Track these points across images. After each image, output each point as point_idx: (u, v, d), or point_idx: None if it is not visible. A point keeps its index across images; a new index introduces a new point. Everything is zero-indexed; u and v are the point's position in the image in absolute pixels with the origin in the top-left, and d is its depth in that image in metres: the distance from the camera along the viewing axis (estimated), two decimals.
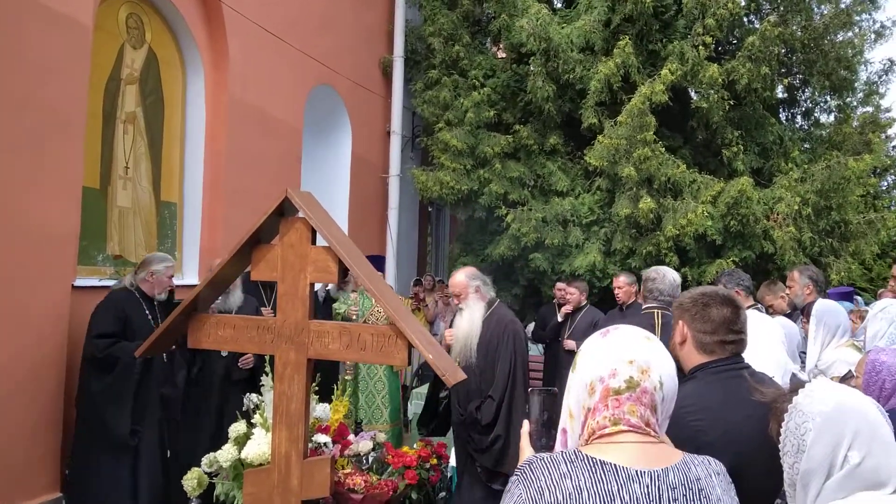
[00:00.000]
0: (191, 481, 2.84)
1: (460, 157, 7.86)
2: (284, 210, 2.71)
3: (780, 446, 1.36)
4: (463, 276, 3.99)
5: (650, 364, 1.27)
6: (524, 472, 1.23)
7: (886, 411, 2.05)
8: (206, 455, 2.92)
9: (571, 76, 7.70)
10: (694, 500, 1.20)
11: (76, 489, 3.87)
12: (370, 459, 3.04)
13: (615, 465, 1.20)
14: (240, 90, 5.92)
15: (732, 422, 1.69)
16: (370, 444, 3.07)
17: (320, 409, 3.13)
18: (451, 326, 7.41)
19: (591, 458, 1.21)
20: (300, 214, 2.69)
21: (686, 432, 1.46)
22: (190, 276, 5.56)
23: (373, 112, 8.47)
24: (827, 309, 3.27)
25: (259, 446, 2.79)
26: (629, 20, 7.70)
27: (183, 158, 5.74)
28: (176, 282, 4.16)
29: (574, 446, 1.30)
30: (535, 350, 7.95)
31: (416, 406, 5.26)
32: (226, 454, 2.84)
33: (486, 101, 8.05)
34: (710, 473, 1.26)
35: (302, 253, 2.64)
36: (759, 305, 4.53)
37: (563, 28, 7.87)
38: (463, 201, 8.15)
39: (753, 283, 4.68)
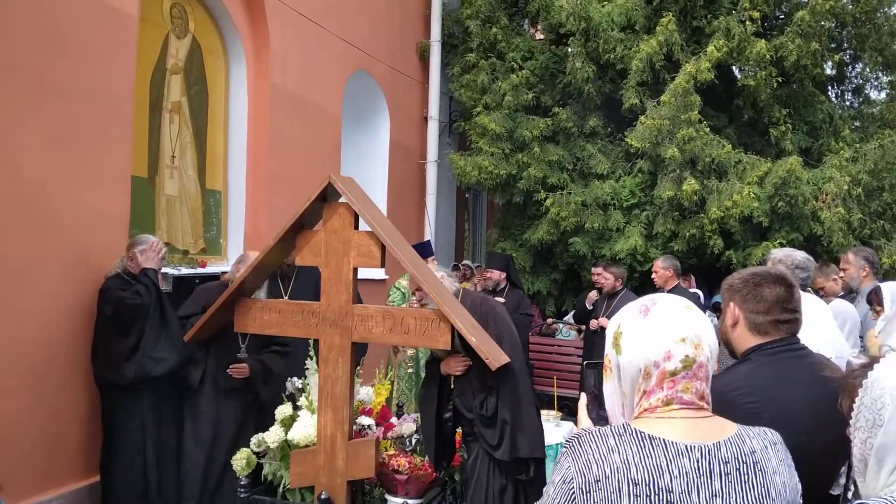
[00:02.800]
0: (240, 461, 2.92)
1: (498, 142, 7.81)
2: (327, 195, 2.74)
3: (851, 421, 1.33)
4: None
5: (700, 337, 1.25)
6: (573, 445, 1.23)
7: None
8: (255, 436, 3.00)
9: (612, 56, 7.56)
10: (748, 474, 1.19)
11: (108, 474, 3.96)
12: (413, 441, 3.07)
13: (664, 439, 1.19)
14: (280, 77, 5.98)
15: (787, 403, 1.65)
16: (413, 427, 3.11)
17: (363, 392, 3.17)
18: None
19: (640, 433, 1.21)
20: (342, 200, 2.71)
21: (740, 414, 1.43)
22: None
23: (410, 97, 8.47)
24: None
25: (305, 428, 2.85)
26: None
27: (227, 147, 5.84)
28: (222, 269, 4.24)
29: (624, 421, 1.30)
30: (573, 335, 7.92)
31: None
32: (273, 435, 2.91)
33: (524, 83, 7.96)
34: (767, 445, 1.25)
35: (345, 238, 2.67)
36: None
37: (603, 6, 7.72)
38: (501, 186, 8.10)
39: None
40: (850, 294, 4.44)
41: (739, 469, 1.19)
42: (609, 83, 7.93)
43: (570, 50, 7.93)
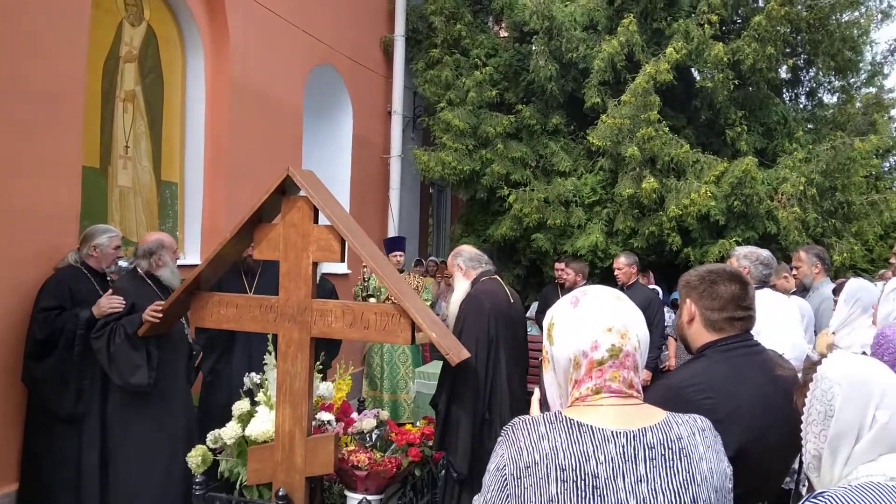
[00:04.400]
0: (195, 458, 2.86)
1: (462, 138, 7.81)
2: (286, 189, 2.70)
3: (804, 416, 1.36)
4: (451, 255, 3.94)
5: (627, 326, 1.28)
6: (507, 433, 1.26)
7: None
8: (211, 432, 2.94)
9: (574, 55, 7.63)
10: (673, 459, 1.21)
11: (27, 477, 3.65)
12: (374, 437, 3.05)
13: (591, 426, 1.22)
14: (240, 69, 5.87)
15: (742, 399, 1.68)
16: (373, 422, 3.09)
17: (323, 388, 3.13)
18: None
19: (570, 420, 1.23)
20: (302, 193, 2.67)
21: (695, 410, 1.46)
22: (192, 256, 5.55)
23: (374, 92, 8.41)
24: (864, 286, 3.26)
25: (263, 424, 2.81)
26: None
27: (183, 138, 5.70)
28: (178, 262, 4.12)
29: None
30: (535, 330, 7.98)
31: (418, 385, 5.30)
32: (230, 431, 2.86)
33: (488, 80, 7.98)
34: (695, 431, 1.27)
35: (304, 232, 2.64)
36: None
37: (566, 6, 7.79)
38: (465, 182, 8.11)
39: None
40: (803, 291, 4.57)
41: (665, 454, 1.21)
42: (572, 82, 8.01)
43: (533, 48, 7.98)
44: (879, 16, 8.79)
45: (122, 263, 3.98)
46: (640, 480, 1.18)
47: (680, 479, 1.20)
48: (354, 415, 3.31)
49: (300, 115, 6.90)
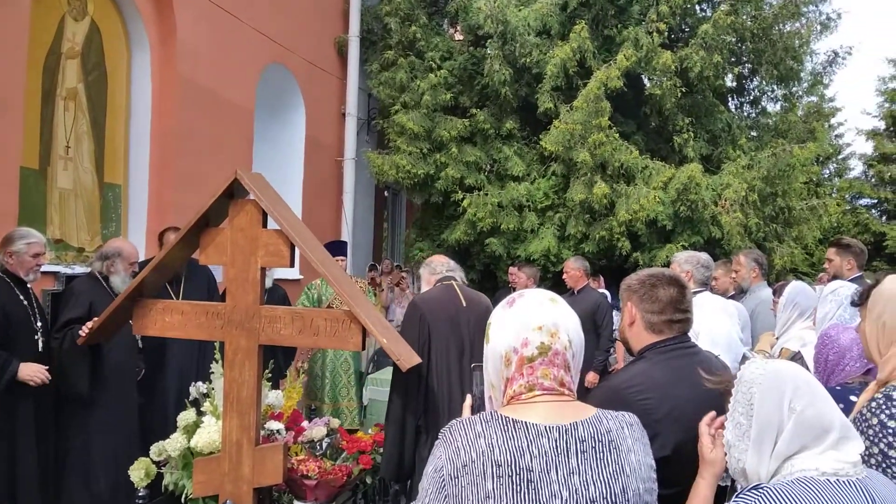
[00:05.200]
0: (137, 472, 2.76)
1: (416, 141, 7.80)
2: (234, 192, 2.64)
3: (728, 420, 1.42)
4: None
5: (557, 325, 1.32)
6: (444, 435, 1.29)
7: (832, 386, 2.14)
8: (155, 444, 2.84)
9: (528, 60, 7.71)
10: (603, 451, 1.26)
11: None
12: (324, 445, 3.00)
13: (526, 422, 1.26)
14: (189, 67, 5.72)
15: (679, 400, 1.73)
16: (324, 430, 3.04)
17: (273, 396, 3.07)
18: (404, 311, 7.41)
19: (505, 418, 1.27)
20: (251, 197, 2.61)
21: (634, 410, 1.50)
22: None
23: (327, 93, 8.32)
24: (801, 290, 3.37)
25: (209, 434, 2.73)
26: (585, 4, 7.75)
27: (128, 138, 5.52)
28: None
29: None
30: None
31: (371, 392, 5.25)
32: (174, 443, 2.77)
33: (442, 83, 7.99)
34: (623, 425, 1.32)
35: (252, 236, 2.58)
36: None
37: (520, 11, 7.86)
38: (419, 186, 8.10)
39: None
40: (741, 293, 4.73)
41: (595, 447, 1.26)
42: (525, 87, 8.09)
43: (488, 52, 8.03)
44: (819, 27, 9.13)
45: (59, 269, 3.82)
46: (573, 472, 1.22)
47: (610, 470, 1.25)
48: (305, 423, 3.25)
49: (251, 116, 6.77)
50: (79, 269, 4.77)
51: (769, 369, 1.37)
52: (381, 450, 3.17)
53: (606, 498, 1.22)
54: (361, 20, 8.46)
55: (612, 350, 6.12)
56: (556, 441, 1.24)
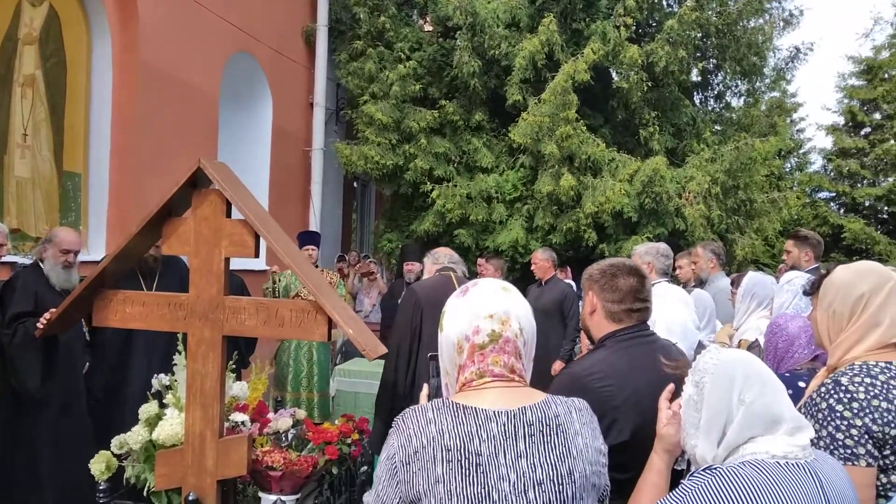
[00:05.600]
0: (98, 465, 2.72)
1: (385, 132, 7.77)
2: (197, 181, 2.60)
3: (682, 407, 1.45)
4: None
5: (508, 314, 1.35)
6: (397, 423, 1.32)
7: (781, 373, 2.21)
8: (116, 437, 2.80)
9: (497, 52, 7.73)
10: (550, 435, 1.29)
11: None
12: (290, 437, 2.99)
13: (476, 408, 1.29)
14: (151, 54, 5.59)
15: (637, 387, 1.78)
16: (290, 422, 3.03)
17: (237, 388, 3.04)
18: (375, 303, 7.41)
19: (456, 404, 1.30)
20: (214, 186, 2.58)
21: (594, 397, 1.54)
22: (96, 251, 5.26)
23: (295, 82, 8.22)
24: (758, 280, 3.45)
25: (172, 427, 2.69)
26: None
27: (88, 126, 5.38)
28: (81, 258, 3.90)
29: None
30: None
31: (338, 383, 5.23)
32: (136, 436, 2.73)
33: (412, 74, 7.96)
34: (571, 410, 1.35)
35: (216, 226, 2.54)
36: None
37: (489, 3, 7.87)
38: (388, 176, 8.08)
39: None
40: (700, 284, 4.85)
41: (543, 430, 1.29)
42: (494, 78, 8.11)
43: (457, 44, 8.02)
44: (782, 23, 9.33)
45: (14, 259, 3.72)
46: (521, 456, 1.26)
47: (557, 452, 1.28)
48: (271, 415, 3.23)
49: (216, 105, 6.66)
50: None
51: (722, 359, 1.41)
52: (350, 440, 3.18)
53: (553, 479, 1.26)
54: (330, 10, 8.37)
55: (577, 339, 6.20)
56: (504, 426, 1.27)
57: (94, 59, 5.40)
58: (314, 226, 8.14)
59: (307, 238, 5.98)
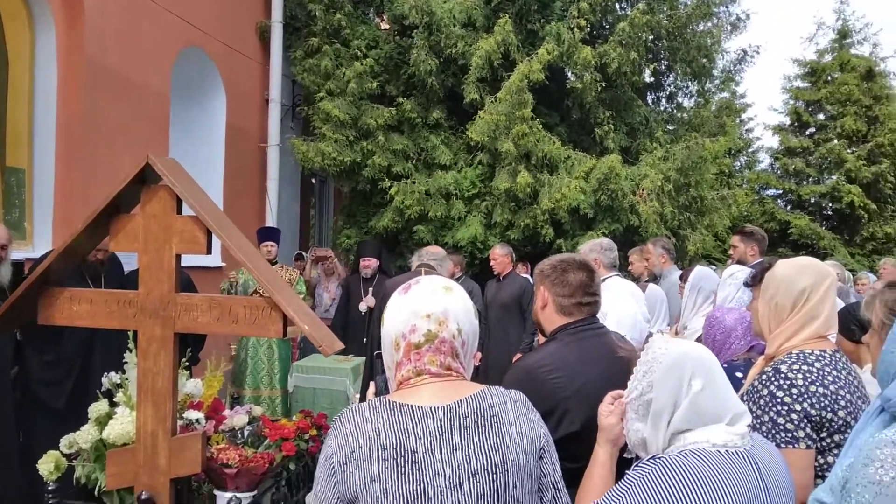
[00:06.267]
0: (47, 465, 2.66)
1: (342, 128, 7.74)
2: (146, 178, 2.56)
3: (630, 395, 1.49)
4: None
5: (447, 315, 1.36)
6: (335, 423, 1.33)
7: (720, 363, 2.30)
8: (65, 437, 2.74)
9: (454, 51, 7.77)
10: (485, 426, 1.31)
11: None
12: (246, 433, 2.97)
13: (412, 405, 1.30)
14: (98, 49, 5.45)
15: (588, 379, 1.83)
16: (245, 418, 3.01)
17: (191, 385, 3.01)
18: (335, 297, 7.35)
19: (392, 402, 1.31)
20: (164, 182, 2.54)
21: (545, 389, 1.57)
22: (42, 248, 5.10)
23: (250, 78, 8.10)
24: (704, 275, 3.55)
25: (123, 426, 2.65)
26: None
27: (32, 121, 5.21)
28: (26, 255, 3.79)
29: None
30: None
31: (296, 379, 5.20)
32: (85, 435, 2.68)
33: (368, 72, 7.94)
34: (506, 401, 1.37)
35: (167, 223, 2.51)
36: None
37: (445, 2, 7.90)
38: (346, 173, 8.05)
39: (620, 252, 5.03)
40: (654, 279, 4.99)
41: (477, 422, 1.31)
42: (451, 77, 8.15)
43: (414, 42, 8.03)
44: (729, 27, 9.61)
45: None
46: (456, 449, 1.27)
47: (491, 442, 1.30)
48: (226, 412, 3.20)
49: (167, 101, 6.52)
50: None
51: (672, 348, 1.45)
52: (307, 436, 3.17)
53: (487, 469, 1.27)
54: (284, 6, 8.28)
55: (536, 333, 6.29)
56: (440, 421, 1.28)
57: (38, 56, 5.24)
58: (271, 222, 8.05)
59: (266, 234, 5.93)
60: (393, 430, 1.26)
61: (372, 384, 1.56)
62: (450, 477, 1.25)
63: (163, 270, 2.53)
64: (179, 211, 2.55)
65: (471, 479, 1.26)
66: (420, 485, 1.23)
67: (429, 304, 1.36)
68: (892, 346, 1.37)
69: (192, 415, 2.88)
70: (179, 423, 2.72)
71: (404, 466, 1.24)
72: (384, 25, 9.32)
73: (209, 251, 2.55)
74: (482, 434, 1.29)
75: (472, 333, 1.40)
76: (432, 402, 1.30)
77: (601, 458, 1.59)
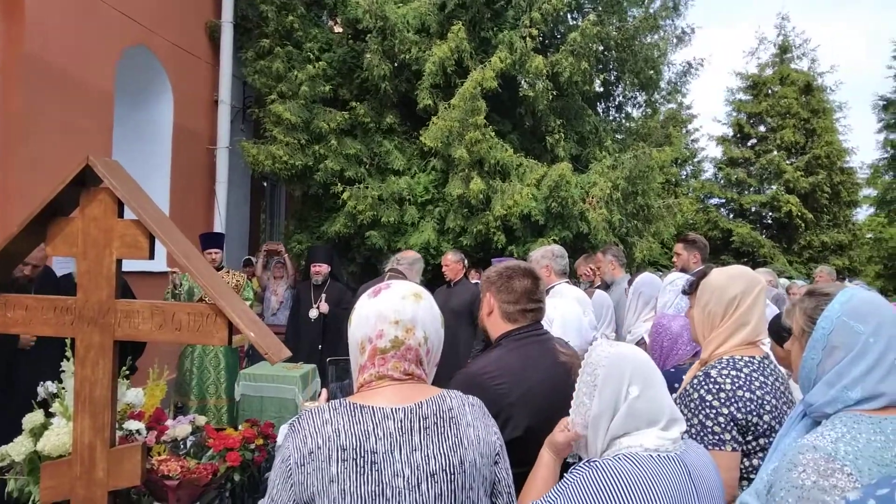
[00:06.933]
0: None
1: (294, 132, 7.65)
2: (86, 179, 2.48)
3: (574, 398, 1.52)
4: None
5: (415, 322, 1.38)
6: (293, 425, 1.32)
7: (667, 369, 2.37)
8: None
9: (407, 56, 7.78)
10: (444, 427, 1.33)
11: None
12: (188, 444, 2.90)
13: (373, 406, 1.31)
14: (38, 46, 5.25)
15: (531, 384, 1.86)
16: (189, 428, 2.94)
17: (132, 395, 2.93)
18: (283, 301, 7.22)
19: (353, 404, 1.32)
20: (104, 185, 2.47)
21: (489, 395, 1.59)
22: None
23: (198, 79, 7.93)
24: (647, 281, 3.63)
25: (59, 437, 2.56)
26: (462, 6, 7.92)
27: None
28: None
29: None
30: None
31: (243, 387, 5.09)
32: (18, 447, 2.57)
33: (321, 75, 7.88)
34: (464, 404, 1.40)
35: (107, 227, 2.44)
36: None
37: (399, 8, 7.91)
38: (297, 177, 7.96)
39: (570, 259, 5.12)
40: (606, 287, 5.09)
41: (437, 423, 1.33)
42: (405, 82, 8.16)
43: (367, 46, 8.01)
44: (675, 40, 9.91)
45: None
46: (415, 449, 1.29)
47: (449, 443, 1.32)
48: (169, 422, 3.13)
49: (111, 100, 6.33)
50: None
51: (614, 353, 1.48)
52: (253, 446, 3.12)
53: (445, 470, 1.29)
54: (235, 6, 8.14)
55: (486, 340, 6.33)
56: (401, 422, 1.30)
57: None
58: (219, 226, 7.89)
59: (210, 240, 5.80)
60: (353, 432, 1.27)
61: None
62: (408, 477, 1.26)
63: (102, 276, 2.46)
64: (121, 214, 2.48)
65: (429, 480, 1.27)
66: (378, 485, 1.24)
67: (398, 310, 1.37)
68: (811, 353, 1.43)
69: (133, 425, 2.80)
70: (119, 433, 2.65)
71: (364, 467, 1.24)
72: (337, 29, 9.27)
73: (152, 256, 2.49)
74: (441, 435, 1.32)
75: (437, 342, 1.42)
76: (393, 403, 1.32)
77: (546, 460, 1.62)
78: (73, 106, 5.68)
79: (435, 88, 7.81)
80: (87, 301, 2.45)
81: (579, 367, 1.57)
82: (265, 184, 10.39)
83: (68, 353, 2.73)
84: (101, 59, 6.13)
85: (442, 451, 1.31)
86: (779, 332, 2.42)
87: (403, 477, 1.26)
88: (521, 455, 1.72)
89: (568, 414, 1.57)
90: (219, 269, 5.60)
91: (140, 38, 6.70)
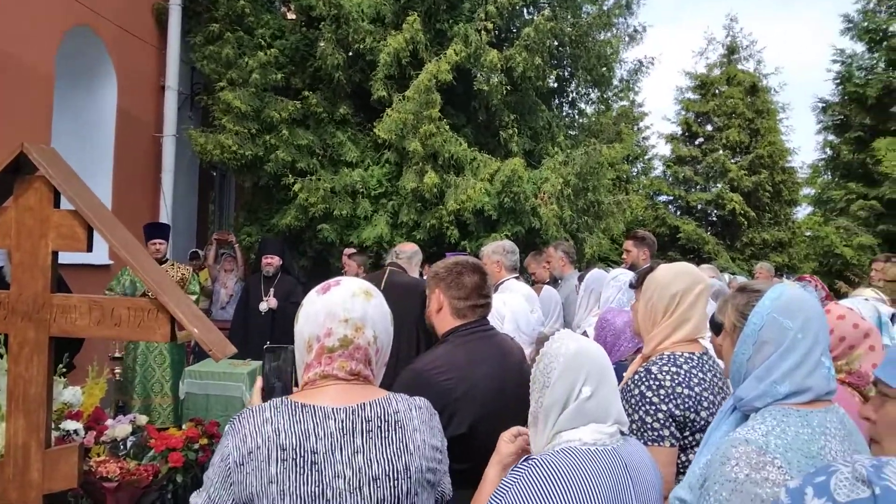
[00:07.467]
0: None
1: (244, 121, 7.47)
2: (21, 167, 2.37)
3: (530, 386, 1.52)
4: None
5: (365, 321, 1.35)
6: (233, 423, 1.29)
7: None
8: None
9: (362, 46, 7.69)
10: (389, 431, 1.32)
11: None
12: (128, 444, 2.82)
13: (314, 405, 1.29)
14: None
15: (477, 380, 1.87)
16: (129, 428, 2.85)
17: (69, 394, 2.82)
18: (233, 294, 7.07)
19: (294, 403, 1.30)
20: (40, 173, 2.37)
21: (436, 390, 1.59)
22: None
23: (144, 63, 7.66)
24: (596, 278, 3.69)
25: None
26: None
27: None
28: None
29: None
30: None
31: (188, 385, 4.95)
32: None
33: (273, 62, 7.71)
34: (411, 408, 1.38)
35: (42, 217, 2.33)
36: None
37: None
38: (247, 167, 7.79)
39: (522, 254, 5.16)
40: (555, 282, 5.16)
41: (381, 427, 1.31)
42: (359, 72, 8.06)
43: (321, 34, 7.88)
44: (627, 38, 10.08)
45: None
46: (357, 452, 1.27)
47: (394, 448, 1.31)
48: (109, 422, 3.03)
49: (51, 84, 6.06)
50: None
51: (572, 348, 1.48)
52: (197, 446, 3.05)
53: (389, 475, 1.28)
54: None
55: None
56: (342, 422, 1.28)
57: None
58: (165, 217, 7.66)
59: (154, 231, 5.62)
60: (293, 431, 1.24)
61: (259, 378, 1.52)
62: (350, 479, 1.24)
63: (37, 268, 2.36)
64: (57, 204, 2.39)
65: (371, 484, 1.26)
66: (318, 486, 1.23)
67: (348, 308, 1.34)
68: (742, 348, 1.48)
69: (70, 425, 2.71)
70: (55, 434, 2.55)
71: (303, 467, 1.22)
72: (290, 15, 9.09)
73: (90, 248, 2.40)
74: (385, 439, 1.30)
75: (387, 341, 1.40)
76: (335, 403, 1.29)
77: (491, 478, 1.58)
78: (8, 89, 5.42)
79: (389, 80, 7.75)
80: (20, 295, 2.35)
81: (526, 363, 1.57)
82: (214, 174, 10.13)
83: (1, 350, 2.62)
84: (42, 40, 5.86)
85: (385, 456, 1.29)
86: (717, 325, 2.49)
87: (345, 478, 1.25)
88: (465, 451, 1.73)
89: (511, 411, 1.58)
90: (163, 261, 5.44)
91: (83, 19, 6.43)
